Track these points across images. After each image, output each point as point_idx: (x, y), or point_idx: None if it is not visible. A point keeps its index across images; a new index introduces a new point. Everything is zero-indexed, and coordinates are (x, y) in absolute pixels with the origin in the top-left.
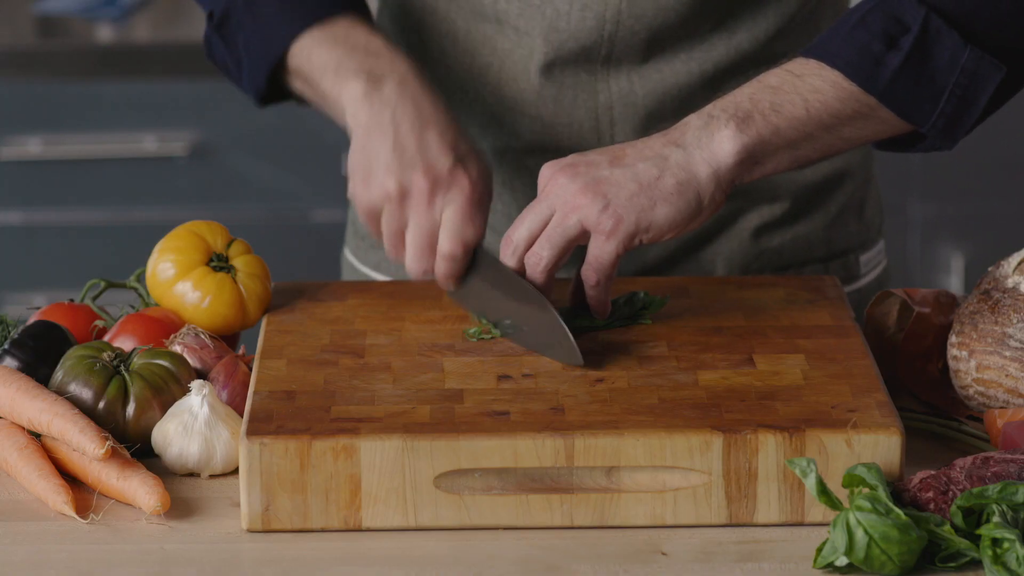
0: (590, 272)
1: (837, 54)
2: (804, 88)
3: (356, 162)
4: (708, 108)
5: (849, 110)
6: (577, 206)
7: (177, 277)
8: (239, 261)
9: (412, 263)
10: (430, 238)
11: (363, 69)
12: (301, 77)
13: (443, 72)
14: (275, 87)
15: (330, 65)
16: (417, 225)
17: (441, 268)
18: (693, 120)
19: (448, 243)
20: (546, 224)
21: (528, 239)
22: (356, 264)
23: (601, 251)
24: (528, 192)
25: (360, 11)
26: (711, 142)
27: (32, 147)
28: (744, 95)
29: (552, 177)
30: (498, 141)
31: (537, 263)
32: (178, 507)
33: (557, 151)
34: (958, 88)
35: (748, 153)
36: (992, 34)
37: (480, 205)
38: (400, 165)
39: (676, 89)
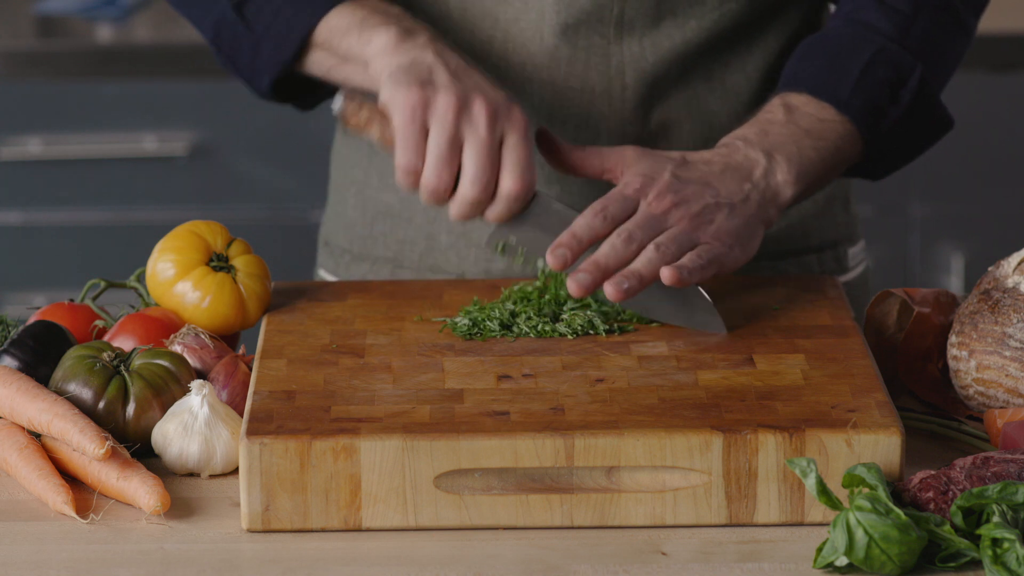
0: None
1: (849, 103)
2: (831, 134)
3: (402, 72)
4: (766, 147)
5: (849, 151)
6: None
7: (177, 277)
8: (239, 261)
9: (469, 186)
10: (491, 160)
11: (391, 23)
12: (320, 46)
13: None
14: (284, 79)
15: (354, 24)
16: (477, 144)
17: (500, 208)
18: (759, 159)
19: (513, 182)
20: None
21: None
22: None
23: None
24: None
25: None
26: (776, 189)
27: (32, 147)
28: (790, 139)
29: (659, 190)
30: None
31: (659, 260)
32: (178, 507)
33: (568, 118)
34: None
35: (794, 201)
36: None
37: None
38: (461, 85)
39: (681, 54)
